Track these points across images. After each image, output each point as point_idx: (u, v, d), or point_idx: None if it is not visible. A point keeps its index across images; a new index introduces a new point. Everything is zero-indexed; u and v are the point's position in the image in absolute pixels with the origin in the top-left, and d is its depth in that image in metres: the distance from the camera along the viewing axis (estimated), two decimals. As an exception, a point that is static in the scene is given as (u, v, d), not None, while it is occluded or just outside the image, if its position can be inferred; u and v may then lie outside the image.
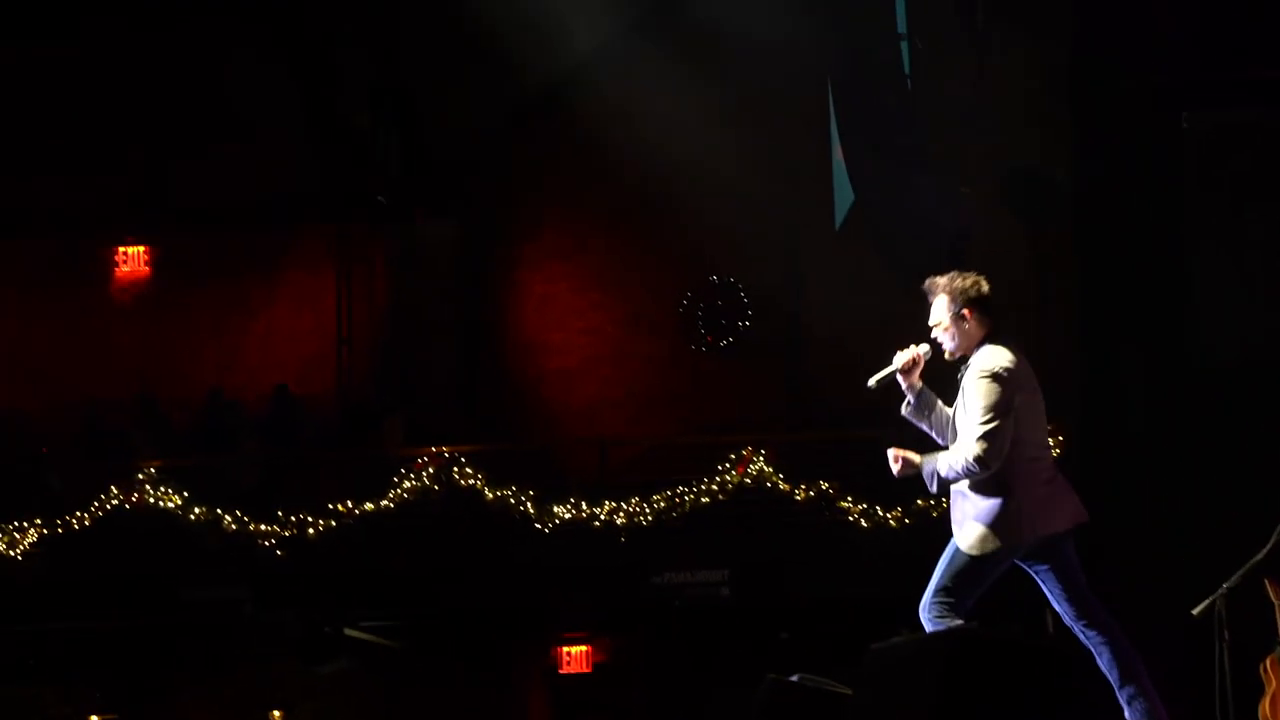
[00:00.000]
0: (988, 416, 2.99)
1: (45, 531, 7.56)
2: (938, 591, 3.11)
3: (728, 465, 7.34)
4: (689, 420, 8.22)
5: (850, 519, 7.32)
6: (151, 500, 7.51)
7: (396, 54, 8.81)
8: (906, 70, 7.31)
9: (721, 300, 8.28)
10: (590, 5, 8.50)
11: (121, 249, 9.01)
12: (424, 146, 8.70)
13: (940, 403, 3.21)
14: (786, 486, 7.33)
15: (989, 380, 3.01)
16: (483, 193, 8.82)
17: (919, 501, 6.88)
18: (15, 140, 8.63)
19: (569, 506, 7.34)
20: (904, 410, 3.21)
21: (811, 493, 7.31)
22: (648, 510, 7.33)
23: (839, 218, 7.84)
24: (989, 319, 3.11)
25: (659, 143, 7.57)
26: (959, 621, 3.04)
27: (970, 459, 2.98)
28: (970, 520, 3.08)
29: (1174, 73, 7.08)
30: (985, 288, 3.12)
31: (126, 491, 7.53)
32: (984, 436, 2.98)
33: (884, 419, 6.97)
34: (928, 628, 3.09)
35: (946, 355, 3.13)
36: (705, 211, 7.82)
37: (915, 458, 3.12)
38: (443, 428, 7.97)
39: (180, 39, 8.72)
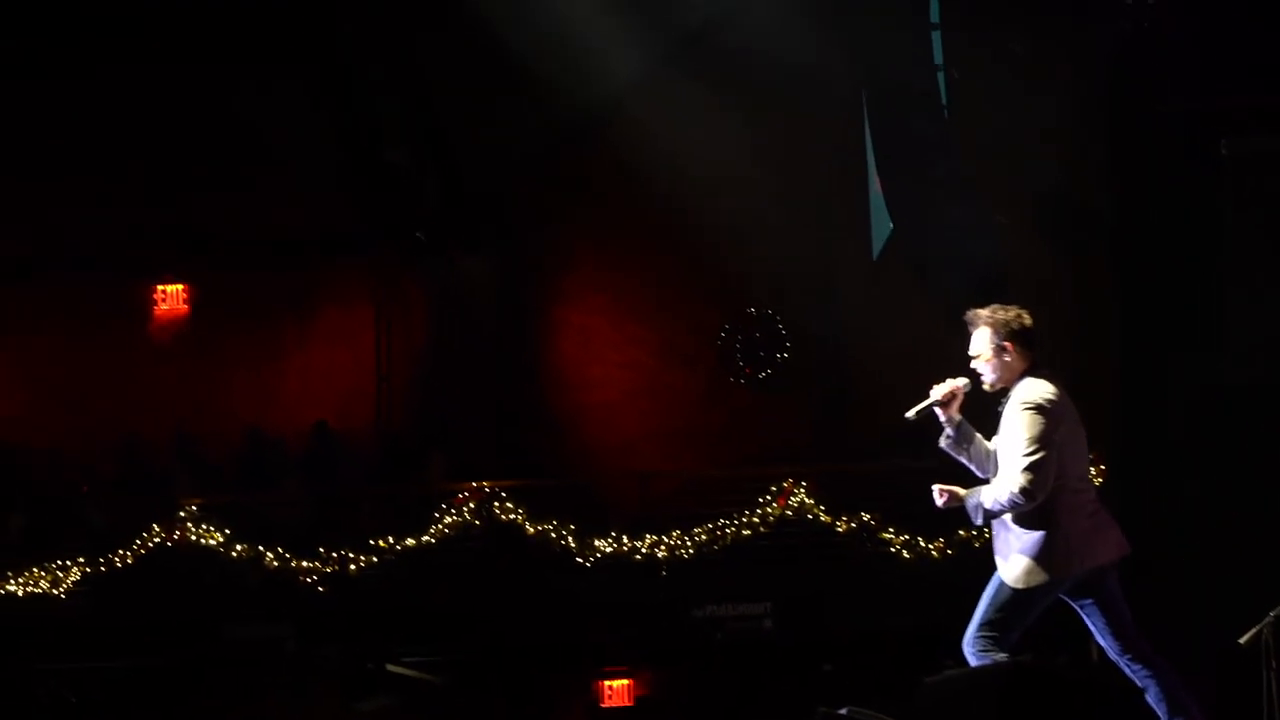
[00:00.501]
0: (1032, 448, 2.99)
1: (88, 570, 7.60)
2: (982, 625, 3.10)
3: (768, 497, 7.37)
4: (728, 452, 8.23)
5: (892, 550, 7.29)
6: (193, 538, 7.56)
7: (432, 89, 8.89)
8: (944, 100, 7.32)
9: (759, 332, 8.28)
10: (624, 37, 8.60)
11: (160, 287, 9.11)
12: (460, 181, 8.77)
13: (979, 436, 3.21)
14: (828, 518, 7.30)
15: (1032, 412, 3.01)
16: (520, 227, 8.90)
17: (961, 532, 6.85)
18: (55, 177, 8.78)
19: (610, 540, 7.35)
20: (942, 442, 3.21)
21: (853, 524, 7.28)
22: (689, 543, 7.31)
23: (876, 247, 7.85)
24: (1030, 352, 3.11)
25: (695, 174, 7.61)
26: (1003, 656, 3.04)
27: (1015, 491, 2.97)
28: (1015, 553, 3.06)
29: (1212, 99, 7.04)
30: (1027, 321, 3.13)
31: (168, 529, 7.57)
32: (1029, 468, 2.97)
33: (925, 449, 6.95)
34: (971, 662, 3.07)
35: (986, 387, 3.14)
36: (742, 243, 7.82)
37: (960, 491, 3.12)
38: (482, 462, 8.00)
39: (217, 77, 8.82)
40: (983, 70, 7.27)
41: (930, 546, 7.23)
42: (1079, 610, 3.14)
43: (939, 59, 7.34)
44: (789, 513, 7.33)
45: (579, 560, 7.32)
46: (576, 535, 7.34)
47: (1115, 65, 7.21)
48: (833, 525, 7.35)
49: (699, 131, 7.74)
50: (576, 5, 9.57)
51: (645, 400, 8.28)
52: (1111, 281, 7.62)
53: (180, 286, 9.11)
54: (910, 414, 3.23)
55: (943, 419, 3.17)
